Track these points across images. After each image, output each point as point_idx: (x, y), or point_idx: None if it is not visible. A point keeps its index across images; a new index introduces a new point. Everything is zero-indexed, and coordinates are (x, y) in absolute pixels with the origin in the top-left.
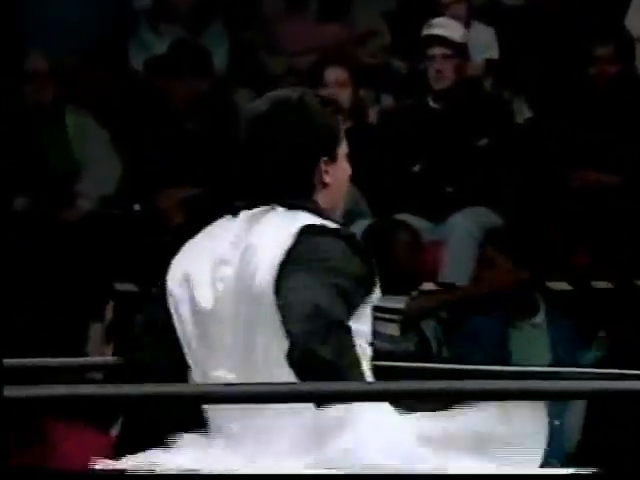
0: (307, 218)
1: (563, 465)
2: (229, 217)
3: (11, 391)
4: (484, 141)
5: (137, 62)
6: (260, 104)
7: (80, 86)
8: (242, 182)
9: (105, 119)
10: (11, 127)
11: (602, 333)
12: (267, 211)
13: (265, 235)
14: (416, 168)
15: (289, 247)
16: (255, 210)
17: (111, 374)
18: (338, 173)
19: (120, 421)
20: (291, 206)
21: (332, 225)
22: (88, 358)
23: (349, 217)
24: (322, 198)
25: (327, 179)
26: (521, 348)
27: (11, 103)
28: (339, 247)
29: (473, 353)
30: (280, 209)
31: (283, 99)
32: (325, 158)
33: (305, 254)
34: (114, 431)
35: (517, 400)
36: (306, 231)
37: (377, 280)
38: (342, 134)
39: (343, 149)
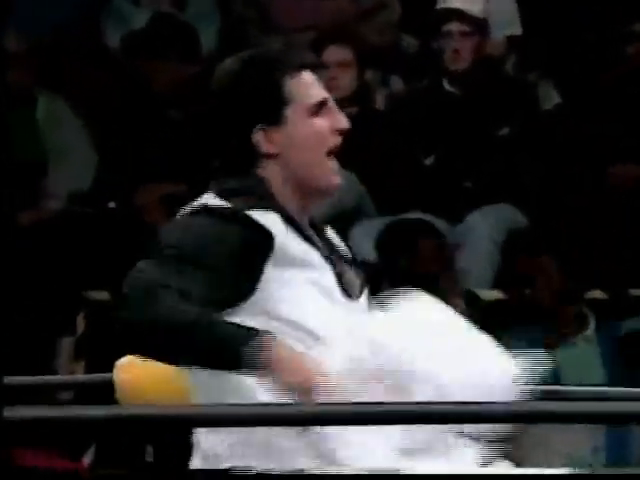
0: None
1: None
2: None
3: (12, 412)
4: (506, 130)
5: (113, 39)
6: (223, 65)
7: (55, 67)
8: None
9: (79, 105)
10: None
11: None
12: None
13: None
14: (429, 160)
15: None
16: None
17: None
18: (296, 134)
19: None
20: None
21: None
22: (57, 376)
23: (352, 216)
24: (274, 172)
25: (271, 149)
26: (572, 365)
27: None
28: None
29: None
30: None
31: (228, 66)
32: (262, 125)
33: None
34: (86, 459)
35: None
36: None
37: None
38: (295, 90)
39: (302, 105)
